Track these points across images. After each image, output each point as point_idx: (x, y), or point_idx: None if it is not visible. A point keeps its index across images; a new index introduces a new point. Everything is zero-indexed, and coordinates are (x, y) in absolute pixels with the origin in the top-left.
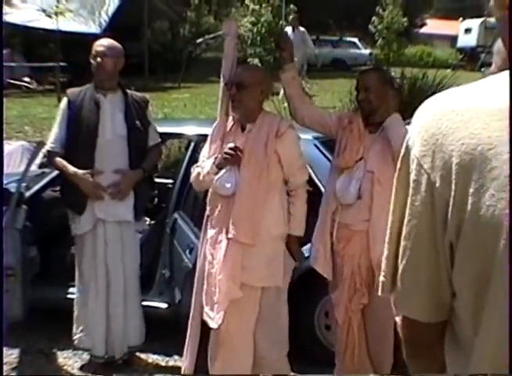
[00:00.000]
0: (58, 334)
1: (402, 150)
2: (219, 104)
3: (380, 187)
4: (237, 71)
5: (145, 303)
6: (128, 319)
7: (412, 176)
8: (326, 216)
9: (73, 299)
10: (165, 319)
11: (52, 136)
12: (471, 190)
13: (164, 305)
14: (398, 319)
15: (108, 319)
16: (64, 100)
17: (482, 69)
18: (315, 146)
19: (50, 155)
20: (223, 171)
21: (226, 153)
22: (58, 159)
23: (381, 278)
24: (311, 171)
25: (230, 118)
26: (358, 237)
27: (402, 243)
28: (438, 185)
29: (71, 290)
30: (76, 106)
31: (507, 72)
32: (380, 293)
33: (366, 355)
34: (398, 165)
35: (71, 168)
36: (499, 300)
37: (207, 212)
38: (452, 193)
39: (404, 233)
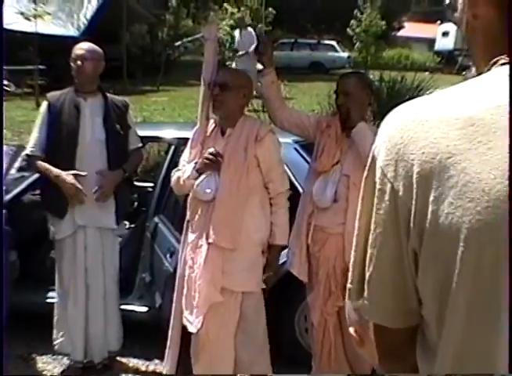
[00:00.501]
0: (37, 339)
1: (369, 159)
2: (199, 108)
3: (355, 191)
4: (221, 72)
5: (125, 307)
6: (107, 324)
7: (377, 185)
8: (301, 219)
9: (52, 303)
10: (145, 323)
11: (32, 140)
12: (431, 199)
13: (144, 309)
14: (351, 329)
15: (87, 324)
16: (44, 104)
17: (463, 72)
18: (295, 149)
19: (30, 159)
20: (203, 176)
21: (206, 158)
22: (40, 162)
23: (348, 285)
24: (291, 174)
25: (211, 122)
26: (333, 240)
27: (369, 250)
28: (400, 193)
29: (51, 294)
30: (56, 109)
31: (473, 80)
32: (346, 299)
33: (344, 357)
34: (365, 173)
35: (55, 170)
36: (459, 306)
37: (187, 217)
38: (414, 202)
39: (370, 240)
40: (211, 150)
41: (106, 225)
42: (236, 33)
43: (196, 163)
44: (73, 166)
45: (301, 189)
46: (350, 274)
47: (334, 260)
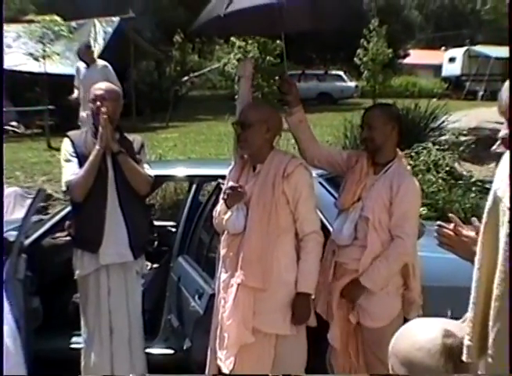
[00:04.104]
0: None
1: (489, 203)
2: (233, 146)
3: (375, 233)
4: (242, 110)
5: (150, 350)
6: (132, 369)
7: (506, 230)
8: (326, 257)
9: (76, 349)
10: (172, 367)
11: (68, 171)
12: None
13: (170, 352)
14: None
15: (113, 370)
16: (67, 140)
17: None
18: (320, 183)
19: (71, 186)
20: (232, 210)
21: (227, 192)
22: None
23: (467, 342)
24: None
25: (245, 159)
26: (349, 275)
27: (495, 303)
28: None
29: (74, 339)
30: (80, 145)
31: None
32: (465, 359)
33: None
34: (485, 219)
35: (96, 149)
36: None
37: (220, 255)
38: None
39: (497, 292)
40: (231, 183)
41: (124, 259)
42: (82, 66)
43: (224, 198)
44: (106, 194)
45: (328, 224)
46: (468, 330)
47: (342, 289)
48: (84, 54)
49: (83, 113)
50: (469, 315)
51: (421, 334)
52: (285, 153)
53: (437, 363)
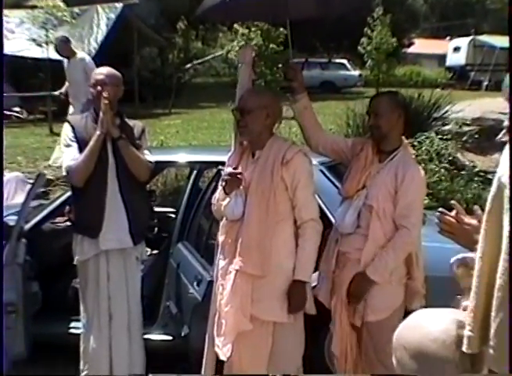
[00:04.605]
0: (62, 369)
1: (493, 189)
2: (233, 133)
3: (378, 222)
4: (242, 96)
5: (148, 336)
6: (132, 356)
7: (510, 217)
8: (329, 245)
9: (75, 334)
10: (170, 353)
11: (69, 156)
12: None
13: (168, 338)
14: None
15: (111, 356)
16: (67, 125)
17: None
18: (321, 171)
19: (72, 171)
20: (230, 196)
21: (225, 179)
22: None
23: (467, 333)
24: (318, 199)
25: (244, 145)
26: (352, 265)
27: (498, 293)
28: None
29: (73, 324)
30: (80, 130)
31: None
32: (465, 349)
33: None
34: (488, 206)
35: (96, 135)
36: None
37: (219, 240)
38: None
39: (500, 282)
40: (229, 169)
41: (124, 245)
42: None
43: (222, 185)
44: (106, 178)
45: (328, 213)
46: (469, 320)
47: (348, 286)
48: (62, 49)
49: (71, 109)
50: (470, 304)
51: (434, 325)
52: (284, 139)
53: (453, 355)
